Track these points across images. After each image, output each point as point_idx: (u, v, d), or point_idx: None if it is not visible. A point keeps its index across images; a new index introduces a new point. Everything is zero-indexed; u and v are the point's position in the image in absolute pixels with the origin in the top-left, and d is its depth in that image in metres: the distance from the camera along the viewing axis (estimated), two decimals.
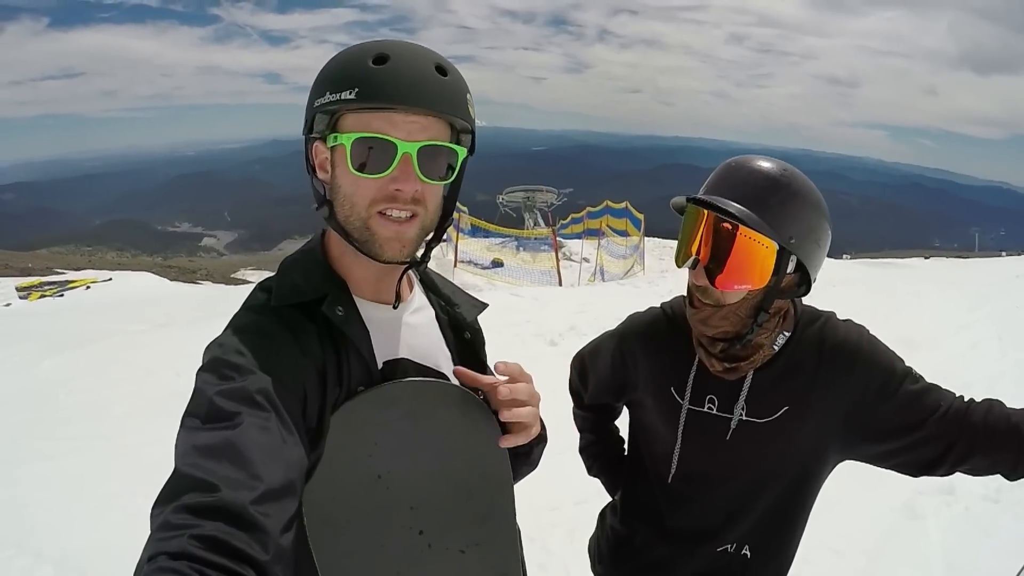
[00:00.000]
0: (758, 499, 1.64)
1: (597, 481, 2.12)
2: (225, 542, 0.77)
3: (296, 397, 1.02)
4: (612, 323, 1.88)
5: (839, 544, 3.90)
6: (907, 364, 1.57)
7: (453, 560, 1.24)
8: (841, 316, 1.67)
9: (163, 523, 0.79)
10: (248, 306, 1.15)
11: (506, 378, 1.25)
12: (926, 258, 23.12)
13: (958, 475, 1.53)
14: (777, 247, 1.44)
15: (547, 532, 4.04)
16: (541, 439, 1.36)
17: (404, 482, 1.17)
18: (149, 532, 0.79)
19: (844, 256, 27.43)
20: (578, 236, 26.25)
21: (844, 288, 11.29)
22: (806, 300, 1.65)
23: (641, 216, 23.86)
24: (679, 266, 1.54)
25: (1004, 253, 31.60)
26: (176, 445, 0.90)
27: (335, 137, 1.10)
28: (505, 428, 1.26)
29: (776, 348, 1.57)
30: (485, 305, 1.43)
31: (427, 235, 1.19)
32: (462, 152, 1.17)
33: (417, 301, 1.32)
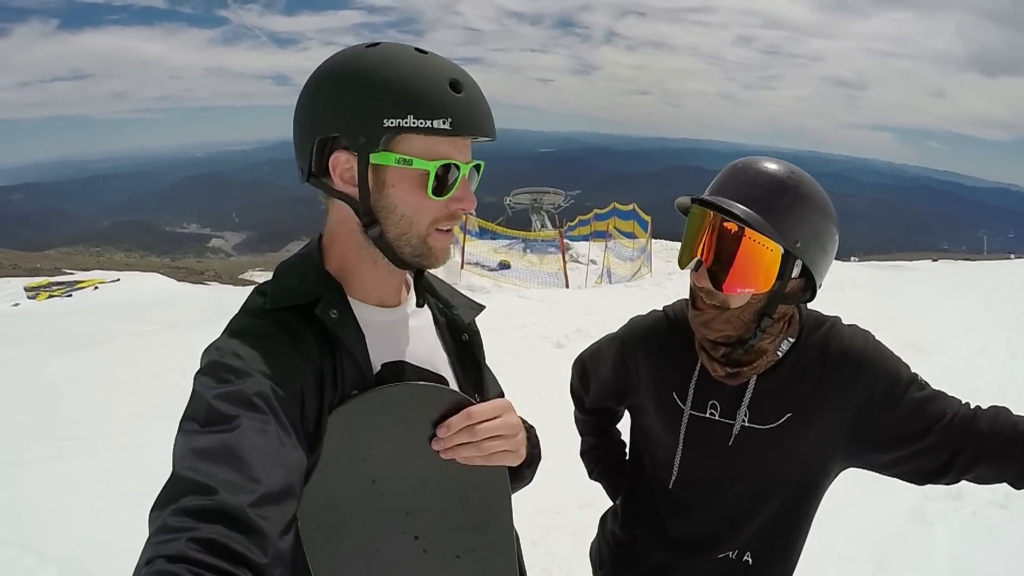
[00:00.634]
0: (760, 506, 1.63)
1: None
2: (223, 545, 0.77)
3: (294, 400, 1.02)
4: (619, 325, 1.87)
5: (846, 549, 3.88)
6: (913, 370, 1.56)
7: (449, 565, 1.23)
8: (848, 320, 1.65)
9: (161, 526, 0.78)
10: (245, 309, 1.15)
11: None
12: (934, 260, 23.04)
13: (965, 481, 1.51)
14: (782, 251, 1.42)
15: (551, 535, 4.03)
16: (533, 459, 1.36)
17: (399, 487, 1.16)
18: (147, 535, 0.79)
19: (852, 258, 27.36)
20: (585, 238, 26.23)
21: (852, 291, 11.26)
22: (811, 303, 1.62)
23: (648, 218, 23.87)
24: (682, 267, 1.53)
25: (1013, 255, 31.50)
26: (174, 449, 0.90)
27: (403, 159, 1.09)
28: None
29: (780, 354, 1.56)
30: (482, 307, 1.43)
31: None
32: (481, 164, 1.20)
33: (414, 303, 1.31)
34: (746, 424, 1.58)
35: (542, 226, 31.03)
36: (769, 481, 1.61)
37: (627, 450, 1.97)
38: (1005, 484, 1.46)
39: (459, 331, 1.36)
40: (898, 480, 1.60)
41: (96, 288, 19.94)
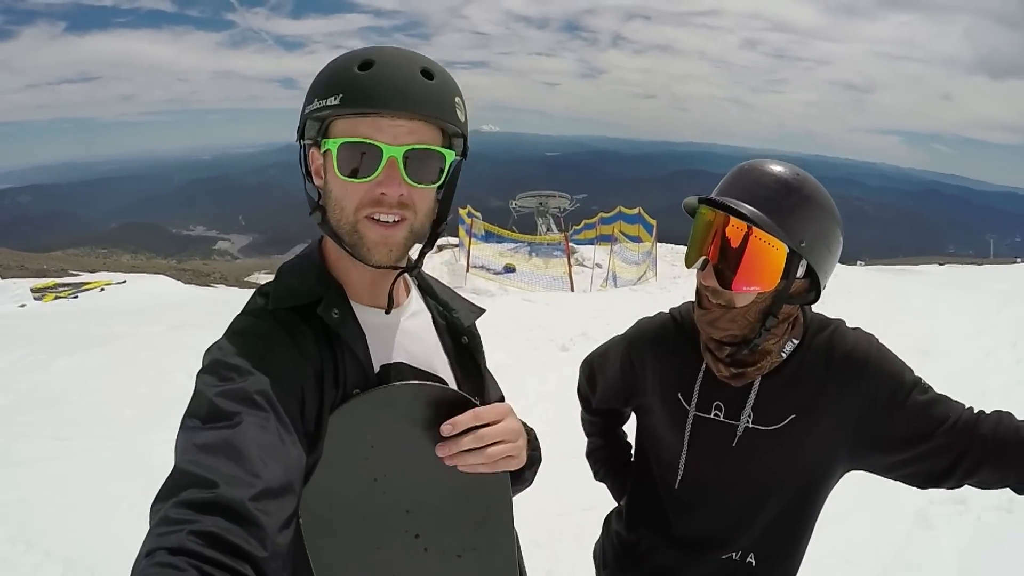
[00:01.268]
0: (764, 507, 1.63)
1: (605, 487, 2.11)
2: (223, 538, 0.77)
3: (294, 398, 1.03)
4: (624, 329, 1.88)
5: (851, 553, 3.88)
6: (916, 374, 1.56)
7: (449, 564, 1.24)
8: (854, 323, 1.66)
9: (162, 518, 0.79)
10: (247, 310, 1.17)
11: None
12: (941, 264, 23.02)
13: (968, 485, 1.51)
14: (788, 250, 1.43)
15: (554, 538, 4.03)
16: (533, 461, 1.36)
17: (400, 485, 1.17)
18: (148, 528, 0.80)
19: (858, 262, 27.31)
20: (591, 242, 26.21)
21: (858, 294, 11.23)
22: (818, 306, 1.63)
23: (654, 222, 23.81)
24: (689, 267, 1.54)
25: (1019, 259, 31.40)
26: (176, 445, 0.91)
27: (322, 144, 1.12)
28: None
29: (784, 355, 1.56)
30: (482, 310, 1.43)
31: (417, 239, 1.20)
32: (450, 156, 1.17)
33: (414, 305, 1.33)
34: (750, 425, 1.59)
35: (547, 230, 31.01)
36: (773, 482, 1.62)
37: (632, 451, 1.98)
38: (1008, 489, 1.46)
39: (459, 334, 1.36)
40: (903, 486, 1.60)
41: (102, 290, 19.97)
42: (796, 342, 1.58)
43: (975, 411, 1.49)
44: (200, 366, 1.04)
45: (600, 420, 2.07)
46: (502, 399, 1.42)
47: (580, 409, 2.12)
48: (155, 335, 10.22)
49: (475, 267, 21.65)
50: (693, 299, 1.69)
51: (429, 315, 1.35)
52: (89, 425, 6.21)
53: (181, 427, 0.94)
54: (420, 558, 1.20)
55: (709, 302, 1.51)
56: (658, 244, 23.21)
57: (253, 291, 1.21)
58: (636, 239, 24.66)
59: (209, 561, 0.75)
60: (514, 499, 1.33)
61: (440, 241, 1.21)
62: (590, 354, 2.02)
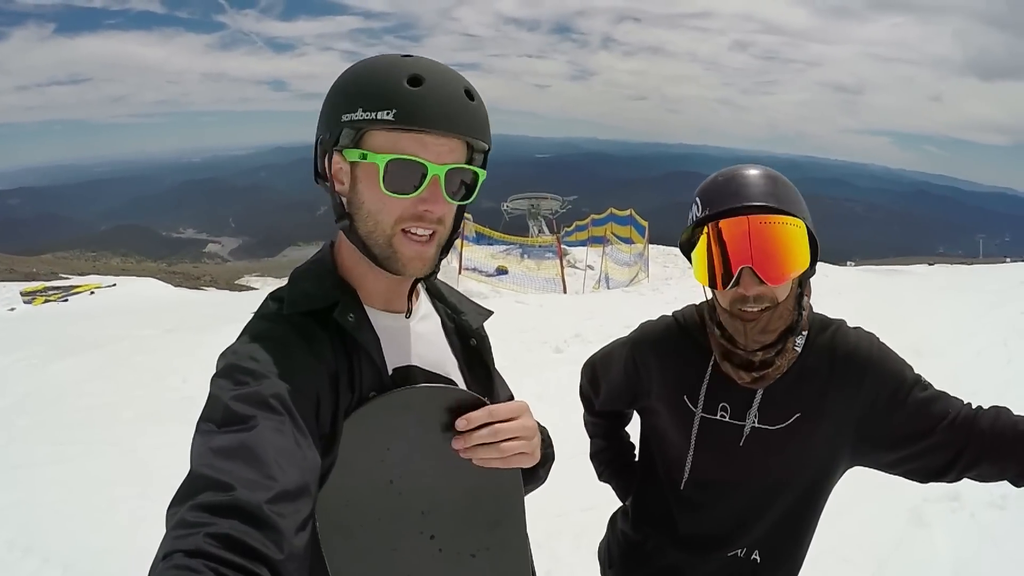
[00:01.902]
0: (769, 505, 1.66)
1: (604, 487, 2.13)
2: (240, 540, 0.78)
3: (310, 402, 1.03)
4: (618, 330, 1.89)
5: (847, 551, 3.89)
6: (916, 372, 1.59)
7: (464, 564, 1.25)
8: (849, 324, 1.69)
9: (179, 521, 0.80)
10: (260, 314, 1.17)
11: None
12: (930, 264, 23.04)
13: (964, 482, 1.54)
14: (805, 225, 1.51)
15: (554, 538, 4.03)
16: (547, 459, 1.38)
17: (415, 487, 1.18)
18: (165, 531, 0.80)
19: (848, 263, 27.34)
20: (583, 243, 26.16)
21: (849, 296, 11.26)
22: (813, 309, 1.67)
23: (646, 223, 23.80)
24: (723, 287, 1.53)
25: (1008, 259, 31.49)
26: (191, 449, 0.92)
27: (363, 154, 1.11)
28: None
29: (798, 349, 1.59)
30: (490, 312, 1.44)
31: (441, 250, 1.21)
32: (482, 174, 1.19)
33: (424, 309, 1.34)
34: (756, 425, 1.62)
35: (539, 231, 30.98)
36: (779, 480, 1.65)
37: (636, 452, 2.00)
38: (1003, 485, 1.50)
39: (467, 336, 1.38)
40: (897, 482, 1.64)
41: (92, 293, 19.85)
42: (805, 334, 1.61)
43: (973, 407, 1.52)
44: (200, 370, 1.05)
45: (603, 422, 2.09)
46: (511, 399, 1.43)
47: (581, 411, 2.13)
48: (149, 338, 10.18)
49: (467, 269, 21.57)
50: (695, 304, 1.73)
51: (438, 318, 1.36)
52: (86, 429, 6.20)
53: (196, 431, 0.95)
54: (435, 559, 1.21)
55: (752, 312, 1.52)
56: (650, 245, 23.22)
57: (246, 291, 1.22)
58: (628, 240, 24.65)
59: (226, 563, 0.75)
60: None
61: None
62: (592, 356, 2.04)
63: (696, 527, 1.74)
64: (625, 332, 1.93)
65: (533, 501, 1.35)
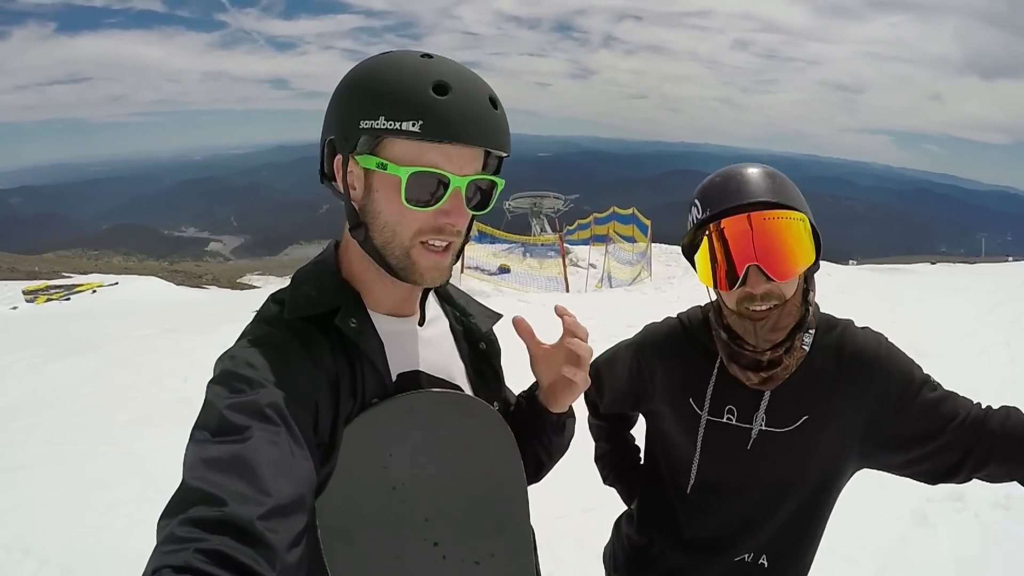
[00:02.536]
0: (777, 509, 1.64)
1: (605, 488, 2.12)
2: (231, 557, 0.76)
3: (307, 411, 1.01)
4: (620, 329, 1.88)
5: (850, 551, 3.88)
6: (925, 371, 1.57)
7: (468, 571, 1.23)
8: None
9: (169, 535, 0.78)
10: (261, 318, 1.14)
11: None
12: (932, 263, 23.05)
13: (968, 482, 1.52)
14: (807, 219, 1.50)
15: (556, 540, 4.01)
16: (570, 412, 1.39)
17: (419, 493, 1.17)
18: (155, 545, 0.78)
19: (850, 262, 27.33)
20: (585, 242, 26.17)
21: (851, 295, 11.25)
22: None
23: (648, 222, 23.83)
24: (729, 288, 1.51)
25: (1010, 258, 31.50)
26: (184, 458, 0.89)
27: (382, 163, 1.07)
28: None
29: (806, 348, 1.57)
30: (499, 316, 1.42)
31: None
32: (500, 184, 1.17)
33: (431, 312, 1.31)
34: (763, 428, 1.60)
35: (541, 230, 30.99)
36: (786, 483, 1.62)
37: (641, 455, 1.98)
38: (1008, 485, 1.48)
39: (476, 340, 1.36)
40: (901, 482, 1.62)
41: (94, 291, 19.94)
42: (813, 332, 1.60)
43: (982, 407, 1.50)
44: (198, 372, 1.03)
45: (608, 424, 2.07)
46: None
47: (584, 412, 2.11)
48: (149, 338, 10.18)
49: (469, 268, 21.58)
50: (700, 305, 1.71)
51: (446, 322, 1.34)
52: (85, 430, 6.18)
53: (190, 440, 0.92)
54: (439, 566, 1.20)
55: (759, 311, 1.50)
56: (652, 244, 23.23)
57: (267, 297, 1.19)
58: (631, 239, 24.66)
59: None
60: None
61: None
62: (596, 359, 2.01)
63: (702, 531, 1.72)
64: (628, 331, 1.92)
65: (534, 502, 1.34)
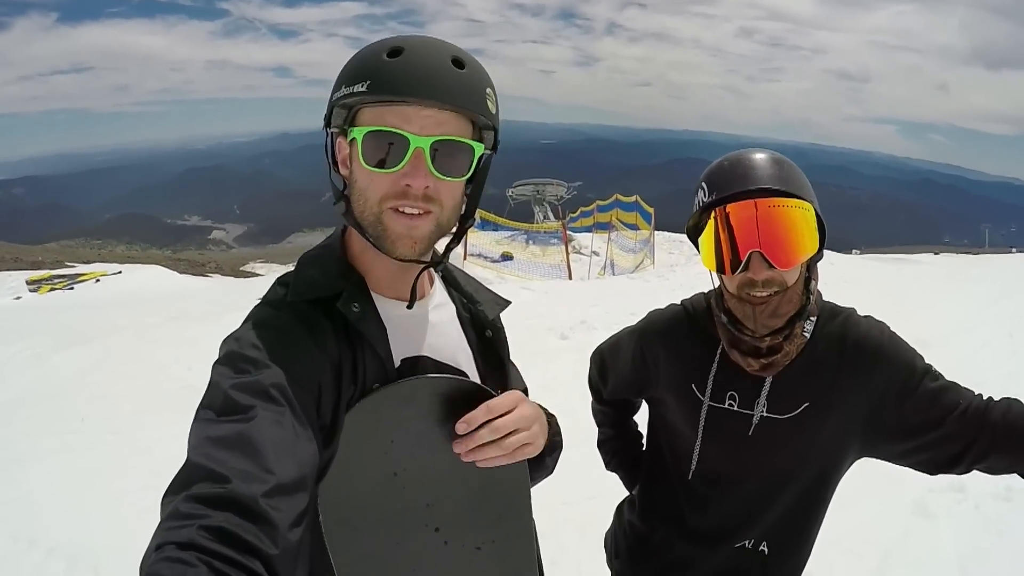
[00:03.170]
0: (778, 496, 1.65)
1: (609, 475, 2.13)
2: (234, 534, 0.77)
3: (310, 393, 1.01)
4: (623, 317, 1.88)
5: (851, 542, 3.89)
6: (927, 362, 1.57)
7: (469, 557, 1.23)
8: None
9: (172, 512, 0.78)
10: (266, 300, 1.15)
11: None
12: (936, 254, 23.00)
13: (969, 474, 1.53)
14: (813, 209, 1.50)
15: (559, 527, 4.03)
16: (555, 447, 1.34)
17: (420, 479, 1.17)
18: (159, 521, 0.79)
19: (854, 251, 27.27)
20: (588, 230, 26.18)
21: (854, 284, 11.23)
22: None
23: (651, 210, 23.81)
24: (732, 272, 1.51)
25: (1014, 249, 31.45)
26: (189, 436, 0.90)
27: (347, 132, 1.10)
28: None
29: (807, 335, 1.58)
30: (507, 303, 1.42)
31: (444, 233, 1.17)
32: (479, 148, 1.14)
33: (438, 298, 1.31)
34: (765, 415, 1.60)
35: (544, 218, 30.97)
36: (787, 470, 1.63)
37: (644, 441, 1.99)
38: (1008, 477, 1.49)
39: (483, 327, 1.36)
40: (902, 474, 1.62)
41: (98, 281, 19.98)
42: (814, 319, 1.60)
43: (984, 398, 1.50)
44: (204, 359, 1.03)
45: (611, 411, 2.08)
46: (526, 392, 1.40)
47: (586, 398, 2.12)
48: (153, 327, 10.20)
49: (472, 255, 21.59)
50: (703, 292, 1.71)
51: (453, 307, 1.34)
52: (90, 420, 6.22)
53: (195, 418, 0.93)
54: (440, 551, 1.20)
55: (760, 297, 1.50)
56: (655, 232, 23.21)
57: (251, 278, 1.18)
58: (634, 227, 24.65)
59: (219, 557, 0.74)
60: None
61: None
62: (600, 345, 2.02)
63: (704, 518, 1.73)
64: (631, 319, 1.92)
65: (537, 490, 1.34)
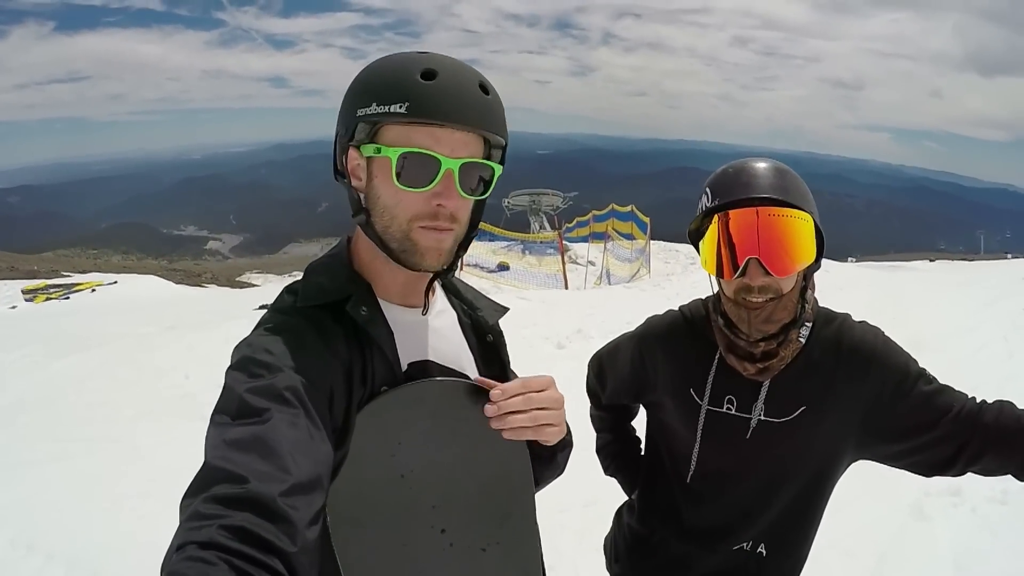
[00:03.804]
0: (775, 498, 1.67)
1: (606, 482, 2.13)
2: (254, 533, 0.78)
3: (323, 395, 1.03)
4: (619, 326, 1.90)
5: (848, 544, 3.90)
6: (921, 365, 1.60)
7: (474, 558, 1.25)
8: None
9: (193, 513, 0.80)
10: (275, 307, 1.18)
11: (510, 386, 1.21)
12: (931, 260, 23.07)
13: (965, 476, 1.55)
14: (813, 220, 1.52)
15: (556, 533, 4.03)
16: (566, 443, 1.36)
17: (427, 481, 1.18)
18: (179, 523, 0.80)
19: (849, 259, 27.36)
20: (584, 239, 26.18)
21: (850, 291, 11.25)
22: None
23: (647, 219, 23.83)
24: (730, 276, 1.54)
25: (1009, 255, 31.50)
26: (206, 440, 0.92)
27: (377, 149, 1.11)
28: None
29: (803, 340, 1.60)
30: (506, 309, 1.44)
31: (458, 246, 1.20)
32: (498, 169, 1.19)
33: (439, 305, 1.33)
34: (762, 418, 1.63)
35: (540, 227, 31.01)
36: (784, 473, 1.66)
37: (642, 445, 2.01)
38: (1005, 479, 1.52)
39: (484, 332, 1.38)
40: (898, 476, 1.65)
41: (93, 290, 19.91)
42: (809, 325, 1.62)
43: (977, 400, 1.53)
44: (209, 364, 1.05)
45: (609, 416, 2.10)
46: None
47: (584, 407, 2.13)
48: (150, 336, 10.18)
49: (468, 265, 21.60)
50: (701, 298, 1.74)
51: (454, 314, 1.36)
52: (88, 426, 6.20)
53: (211, 423, 0.95)
54: (445, 553, 1.21)
55: (756, 302, 1.53)
56: (651, 241, 23.22)
57: (247, 288, 1.20)
58: (629, 236, 24.66)
59: (240, 555, 0.75)
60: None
61: None
62: (599, 351, 2.05)
63: (702, 520, 1.75)
64: (626, 328, 1.94)
65: (537, 496, 1.36)
